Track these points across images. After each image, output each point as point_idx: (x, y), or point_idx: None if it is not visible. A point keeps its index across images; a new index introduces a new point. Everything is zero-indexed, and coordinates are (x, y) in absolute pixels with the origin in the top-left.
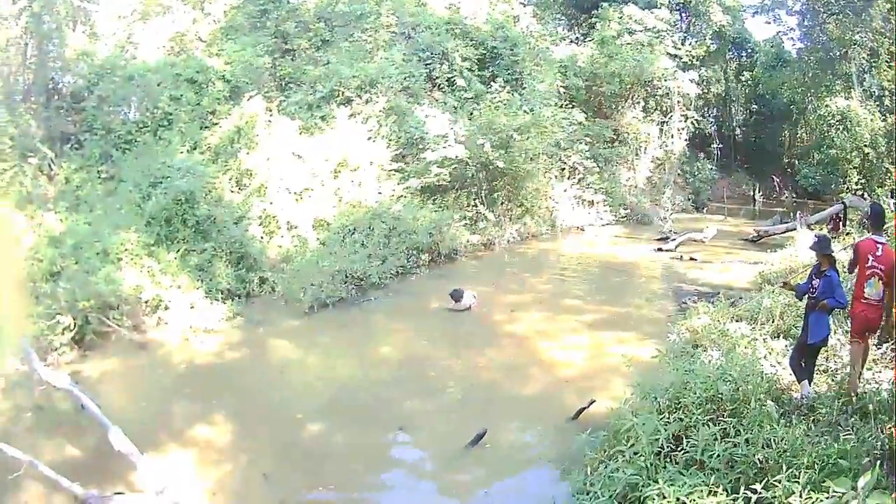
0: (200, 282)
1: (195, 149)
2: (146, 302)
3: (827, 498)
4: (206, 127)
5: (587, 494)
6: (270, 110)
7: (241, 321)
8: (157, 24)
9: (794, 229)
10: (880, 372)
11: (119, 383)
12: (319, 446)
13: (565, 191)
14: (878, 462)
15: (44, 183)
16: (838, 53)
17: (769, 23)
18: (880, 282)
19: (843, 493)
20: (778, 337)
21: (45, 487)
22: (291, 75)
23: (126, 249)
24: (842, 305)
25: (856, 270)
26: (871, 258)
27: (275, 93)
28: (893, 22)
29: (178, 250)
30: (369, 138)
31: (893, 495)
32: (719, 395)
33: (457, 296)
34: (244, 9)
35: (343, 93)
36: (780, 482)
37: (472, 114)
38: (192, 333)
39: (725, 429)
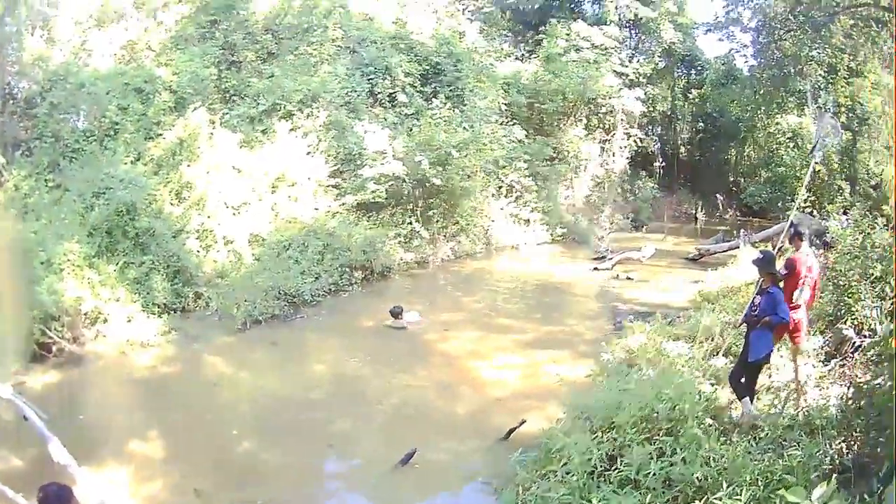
0: (138, 295)
1: (139, 160)
2: (86, 314)
3: None
4: (150, 138)
5: None
6: (213, 122)
7: (177, 336)
8: (112, 32)
9: (738, 247)
10: (827, 388)
11: (59, 396)
12: (250, 463)
13: (502, 209)
14: (829, 477)
15: None
16: (793, 70)
17: (722, 40)
18: (807, 288)
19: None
20: (717, 355)
21: None
22: (236, 87)
23: (68, 260)
24: (785, 322)
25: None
26: (802, 270)
27: (219, 105)
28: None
29: (118, 263)
30: (308, 153)
31: None
32: (654, 414)
33: (395, 312)
34: (195, 19)
35: (285, 106)
36: (720, 499)
37: (411, 130)
38: (128, 347)
39: (661, 448)
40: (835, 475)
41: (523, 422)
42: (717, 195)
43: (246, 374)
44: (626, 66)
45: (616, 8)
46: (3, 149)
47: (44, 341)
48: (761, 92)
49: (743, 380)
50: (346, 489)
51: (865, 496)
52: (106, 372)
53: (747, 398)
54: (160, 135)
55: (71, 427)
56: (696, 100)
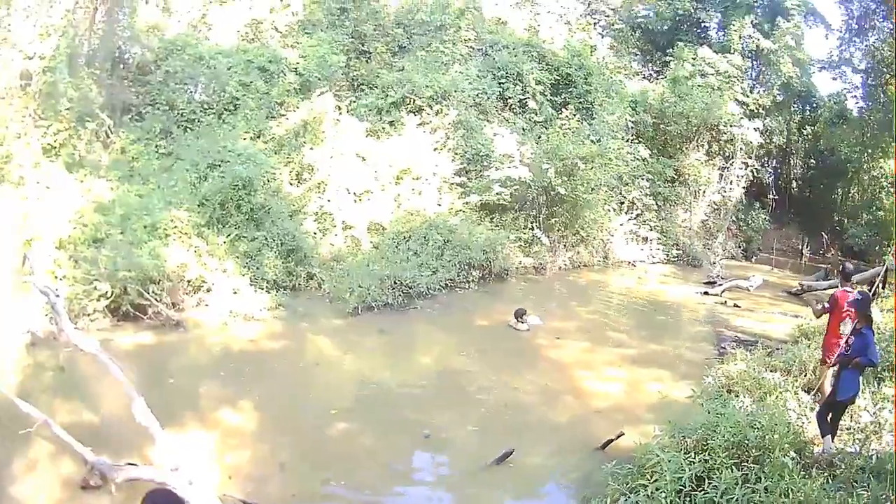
0: (247, 269)
1: (259, 137)
2: (189, 281)
3: None
4: (272, 117)
5: None
6: (340, 109)
7: (284, 313)
8: (233, 9)
9: (836, 287)
10: None
11: (149, 357)
12: (342, 444)
13: (622, 224)
14: None
15: (98, 149)
16: None
17: (835, 79)
18: (850, 321)
19: None
20: (808, 391)
21: (56, 448)
22: (364, 77)
23: (175, 227)
24: (874, 364)
25: (827, 315)
26: (845, 305)
27: (346, 92)
28: None
29: (229, 235)
30: (435, 149)
31: None
32: (746, 441)
33: (519, 313)
34: (324, 4)
35: (414, 101)
36: None
37: (539, 137)
38: (231, 318)
39: (747, 475)
40: None
41: (621, 434)
42: (823, 233)
43: (351, 357)
44: (748, 97)
45: (740, 37)
46: (111, 111)
47: (139, 303)
48: (869, 135)
49: (830, 417)
50: (436, 482)
51: None
52: (204, 340)
53: (829, 436)
54: (283, 115)
55: (158, 389)
56: (810, 136)
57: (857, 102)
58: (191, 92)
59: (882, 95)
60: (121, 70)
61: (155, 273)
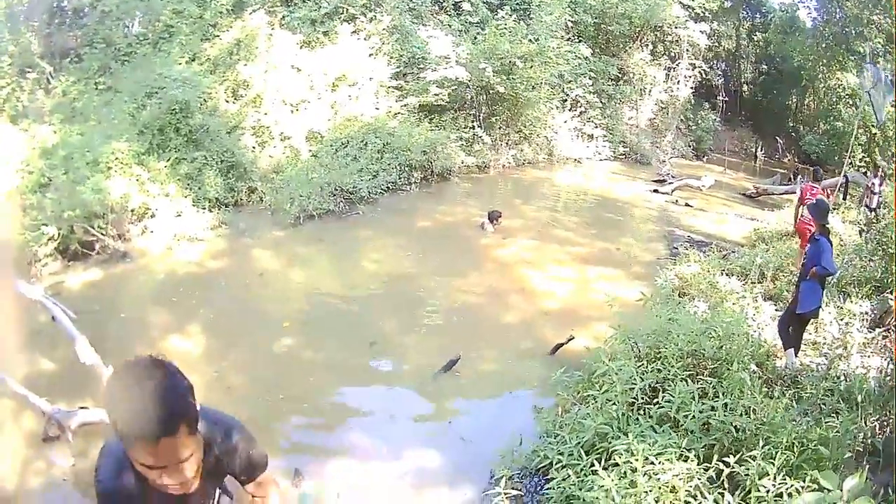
0: (189, 190)
1: (194, 60)
2: (132, 210)
3: (806, 489)
4: (206, 39)
5: (555, 437)
6: (273, 24)
7: (227, 230)
8: None
9: (794, 192)
10: (869, 357)
11: (99, 293)
12: (289, 360)
13: (565, 122)
14: (861, 458)
15: (41, 97)
16: (854, 32)
17: None
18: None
19: (829, 492)
20: (767, 300)
21: (17, 403)
22: None
23: (116, 159)
24: (829, 273)
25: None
26: (808, 194)
27: (279, 8)
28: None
29: (169, 159)
30: (370, 55)
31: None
32: (702, 351)
33: (494, 216)
34: None
35: (347, 10)
36: (754, 458)
37: (475, 38)
38: (175, 242)
39: (704, 388)
40: (866, 458)
41: (571, 338)
42: (777, 138)
43: (294, 269)
44: (693, 0)
45: None
46: (51, 58)
47: (86, 240)
48: (823, 46)
49: (791, 329)
50: (383, 392)
51: (891, 490)
52: (150, 267)
53: (792, 350)
54: (217, 36)
55: (111, 325)
56: (760, 43)
57: (809, 13)
58: (127, 27)
59: (838, 11)
60: (58, 17)
61: (98, 207)
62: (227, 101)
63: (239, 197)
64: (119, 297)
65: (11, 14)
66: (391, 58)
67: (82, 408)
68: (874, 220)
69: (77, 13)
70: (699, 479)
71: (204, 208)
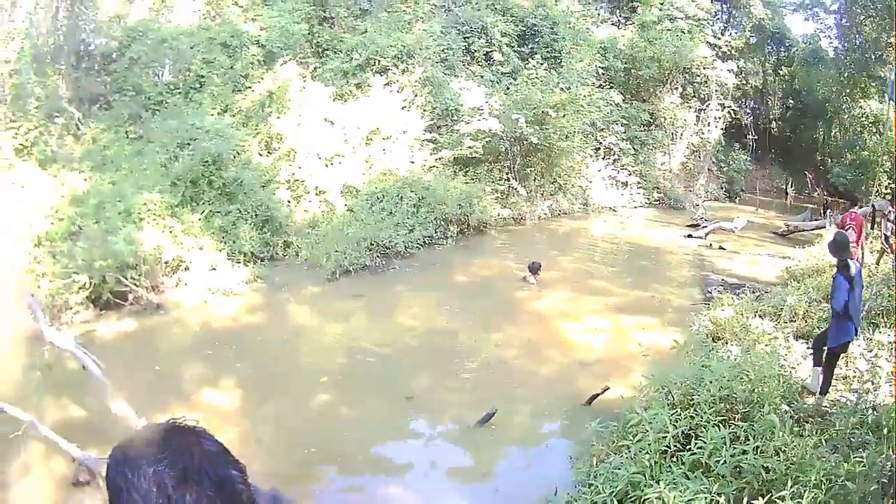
0: (223, 244)
1: (226, 112)
2: (166, 262)
3: None
4: (238, 91)
5: (589, 487)
6: (305, 76)
7: (262, 285)
8: None
9: (824, 227)
10: None
11: (133, 344)
12: (324, 414)
13: (599, 171)
14: (886, 492)
15: (70, 143)
16: (874, 56)
17: (808, 20)
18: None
19: None
20: (798, 339)
21: (47, 447)
22: (328, 43)
23: (149, 210)
24: (835, 311)
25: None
26: (848, 220)
27: (311, 59)
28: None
29: (203, 212)
30: (404, 108)
31: None
32: (734, 396)
33: (534, 268)
34: None
35: (380, 62)
36: (783, 499)
37: (508, 89)
38: (210, 295)
39: (736, 432)
40: (894, 488)
41: (606, 389)
42: (807, 172)
43: (331, 324)
44: (719, 39)
45: None
46: (79, 103)
47: (118, 290)
48: (845, 75)
49: (823, 362)
50: (420, 447)
51: None
52: (184, 320)
53: (819, 369)
54: (248, 87)
55: (144, 376)
56: (786, 77)
57: (831, 43)
58: (157, 75)
59: (857, 36)
60: (86, 62)
61: (131, 258)
62: (261, 155)
63: (274, 251)
64: (153, 348)
65: (37, 56)
66: (424, 110)
67: None
68: (890, 249)
69: (105, 58)
70: None
71: (239, 262)
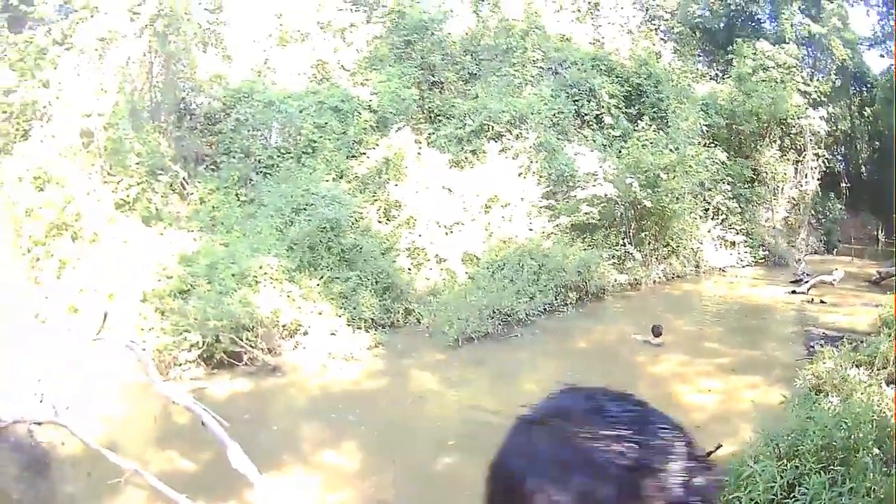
0: (343, 309)
1: (341, 177)
2: (283, 326)
3: None
4: (352, 156)
5: None
6: (419, 142)
7: (384, 351)
8: (296, 52)
9: None
10: None
11: (247, 403)
12: (445, 480)
13: (709, 231)
14: None
15: (175, 201)
16: None
17: (882, 56)
18: None
19: None
20: (890, 384)
21: (148, 497)
22: (439, 108)
23: (265, 273)
24: None
25: None
26: None
27: (423, 125)
28: None
29: (322, 277)
30: (520, 174)
31: None
32: (833, 444)
33: (657, 331)
34: (388, 39)
35: (493, 127)
36: None
37: (619, 152)
38: (330, 360)
39: (834, 477)
40: None
41: (719, 446)
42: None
43: (454, 390)
44: (808, 85)
45: (791, 25)
46: (184, 162)
47: (232, 350)
48: None
49: None
50: None
51: None
52: (303, 383)
53: None
54: (363, 153)
55: (261, 435)
56: (870, 118)
57: None
58: (265, 138)
59: None
60: (188, 121)
61: (247, 320)
62: (380, 222)
63: (395, 318)
64: (269, 408)
65: (134, 111)
66: (540, 177)
67: None
68: None
69: (209, 118)
70: None
71: (359, 328)
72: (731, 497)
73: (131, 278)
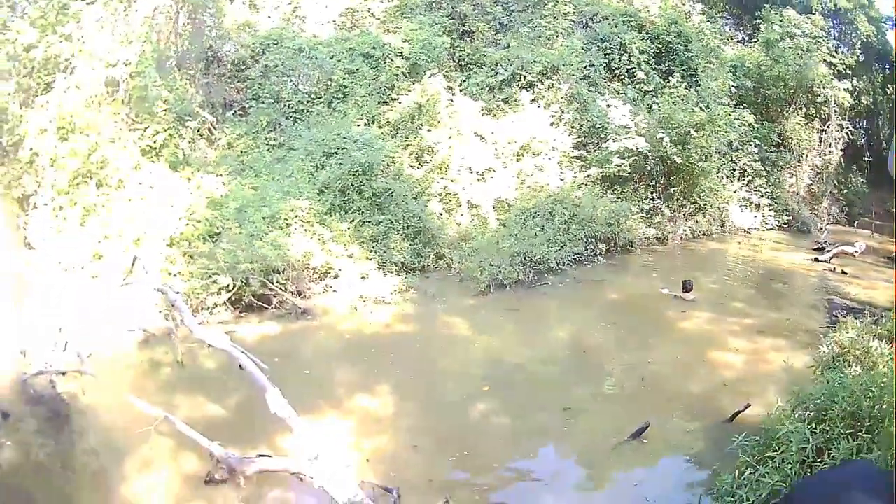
0: (374, 253)
1: (373, 122)
2: (314, 269)
3: None
4: (384, 102)
5: (733, 496)
6: (451, 89)
7: (414, 295)
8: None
9: None
10: None
11: (278, 347)
12: (477, 424)
13: (735, 192)
14: None
15: (203, 147)
16: None
17: None
18: None
19: None
20: None
21: (175, 444)
22: (471, 56)
23: (297, 216)
24: None
25: None
26: None
27: (454, 73)
28: None
29: (353, 220)
30: (552, 124)
31: None
32: (860, 411)
33: (688, 287)
34: None
35: (525, 77)
36: None
37: (650, 107)
38: (360, 303)
39: (860, 445)
40: None
41: (748, 406)
42: None
43: (485, 335)
44: (834, 57)
45: None
46: (212, 108)
47: (262, 293)
48: None
49: None
50: (570, 458)
51: None
52: (333, 326)
53: None
54: (395, 99)
55: (293, 379)
56: (893, 96)
57: None
58: (295, 84)
59: None
60: (216, 68)
61: (278, 263)
62: (412, 167)
63: (426, 263)
64: (300, 352)
65: (160, 60)
66: (572, 127)
67: (263, 455)
68: None
69: (237, 65)
70: None
71: (390, 272)
72: (763, 456)
73: (158, 224)
